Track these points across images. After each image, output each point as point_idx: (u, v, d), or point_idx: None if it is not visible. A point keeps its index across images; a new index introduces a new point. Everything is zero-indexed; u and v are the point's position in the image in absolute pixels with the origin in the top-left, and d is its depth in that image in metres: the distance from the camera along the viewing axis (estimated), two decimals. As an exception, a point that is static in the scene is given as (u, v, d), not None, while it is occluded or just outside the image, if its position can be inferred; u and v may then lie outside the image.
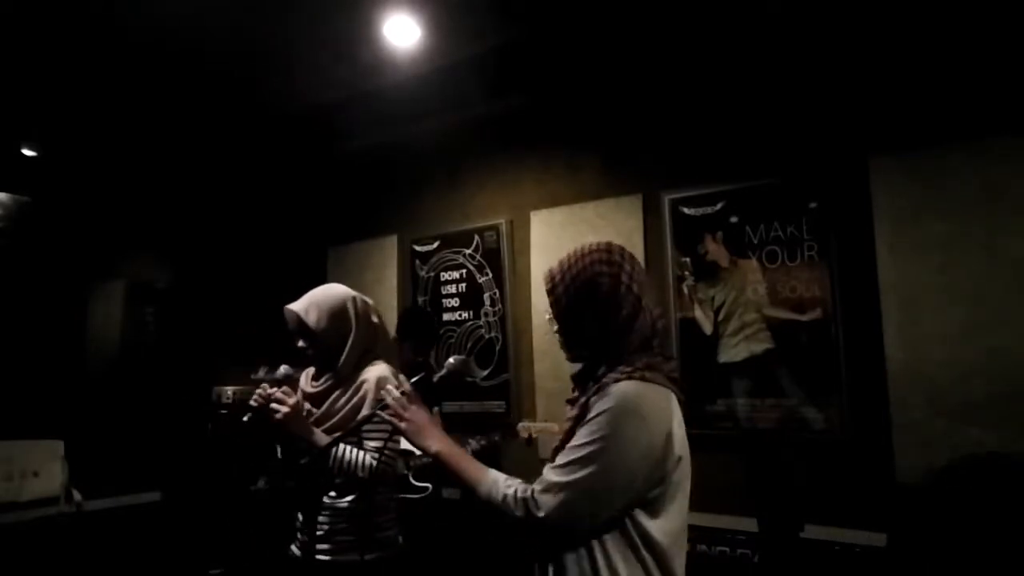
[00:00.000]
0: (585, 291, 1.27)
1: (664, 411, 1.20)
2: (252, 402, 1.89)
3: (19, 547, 3.01)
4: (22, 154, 3.96)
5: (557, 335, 1.36)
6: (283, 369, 2.01)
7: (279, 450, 2.05)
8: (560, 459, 1.21)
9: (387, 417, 1.44)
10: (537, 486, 1.20)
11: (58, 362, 3.86)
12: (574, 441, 1.20)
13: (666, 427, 1.20)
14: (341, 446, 1.88)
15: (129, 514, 3.55)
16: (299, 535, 2.00)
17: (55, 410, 3.59)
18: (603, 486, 1.16)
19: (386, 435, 1.97)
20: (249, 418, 1.87)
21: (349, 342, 2.01)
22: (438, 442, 1.37)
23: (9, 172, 3.87)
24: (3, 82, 3.47)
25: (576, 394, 1.31)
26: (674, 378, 1.26)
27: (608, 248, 1.30)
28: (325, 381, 2.02)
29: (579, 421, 1.22)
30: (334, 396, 2.01)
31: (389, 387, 1.46)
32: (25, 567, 3.02)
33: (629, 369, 1.21)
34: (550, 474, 1.20)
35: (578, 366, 1.35)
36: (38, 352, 3.78)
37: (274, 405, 1.88)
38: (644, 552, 1.20)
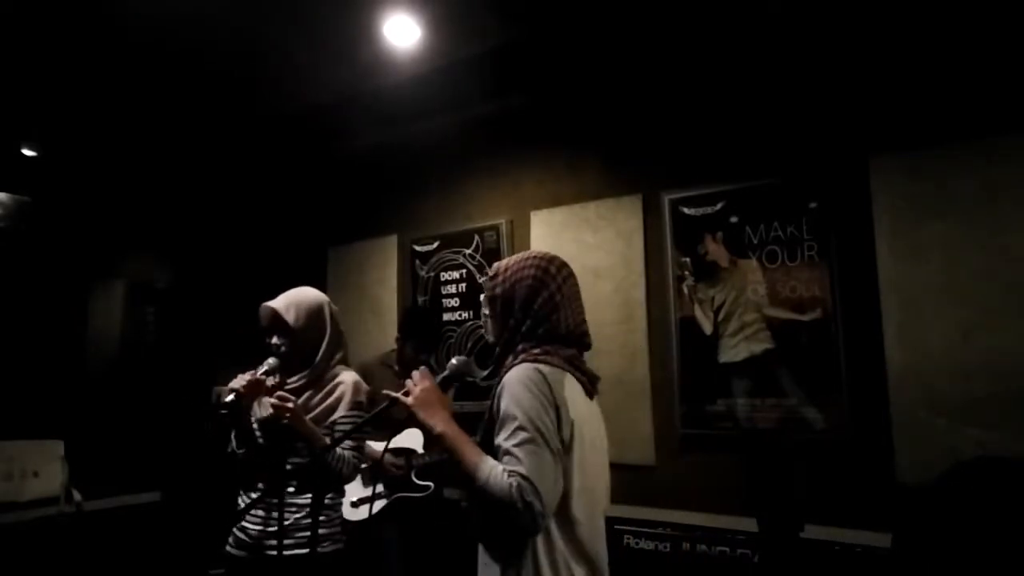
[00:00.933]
0: (512, 290, 1.47)
1: (553, 383, 1.34)
2: (236, 384, 1.92)
3: (19, 547, 3.01)
4: (22, 154, 3.96)
5: (485, 323, 1.56)
6: (271, 361, 2.04)
7: (234, 440, 2.07)
8: (506, 446, 1.28)
9: (395, 395, 1.45)
10: (520, 481, 1.23)
11: (58, 362, 3.86)
12: (505, 434, 1.29)
13: (555, 397, 1.32)
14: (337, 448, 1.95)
15: (129, 514, 3.55)
16: (243, 532, 2.01)
17: (55, 410, 3.60)
18: (548, 456, 1.26)
19: (363, 435, 2.05)
20: (231, 401, 1.90)
21: (324, 342, 2.08)
22: (443, 423, 1.38)
23: (9, 172, 3.87)
24: (3, 82, 3.47)
25: (490, 373, 1.51)
26: (576, 364, 1.43)
27: (549, 259, 1.49)
28: (299, 380, 2.06)
29: (490, 408, 1.37)
30: (308, 394, 2.05)
31: (417, 372, 1.48)
32: (25, 567, 3.02)
33: (523, 356, 1.39)
34: (514, 466, 1.25)
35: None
36: (38, 352, 3.78)
37: (275, 402, 1.91)
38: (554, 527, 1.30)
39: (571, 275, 1.51)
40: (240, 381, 1.93)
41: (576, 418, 1.35)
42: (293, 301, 2.08)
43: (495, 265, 1.55)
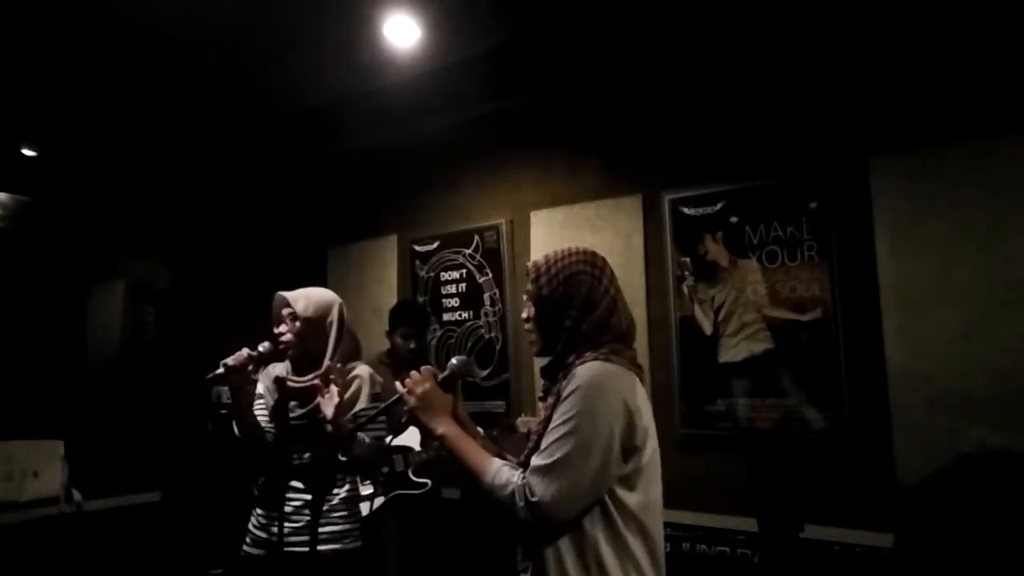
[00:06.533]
0: (566, 286, 1.33)
1: (628, 386, 1.26)
2: (230, 360, 1.99)
3: (19, 547, 3.01)
4: (22, 154, 3.96)
5: (530, 329, 1.40)
6: (266, 344, 2.07)
7: (235, 428, 2.10)
8: (543, 444, 1.23)
9: (402, 390, 1.43)
10: (528, 474, 1.22)
11: (58, 362, 3.86)
12: (551, 425, 1.24)
13: (631, 400, 1.25)
14: (358, 434, 1.94)
15: (129, 514, 3.55)
16: (262, 530, 2.02)
17: (55, 410, 3.60)
18: (584, 459, 1.19)
19: (381, 428, 2.02)
20: (217, 374, 1.98)
21: (331, 340, 2.08)
22: (444, 425, 1.36)
23: (9, 172, 3.87)
24: (3, 82, 3.47)
25: (545, 389, 1.37)
26: (638, 363, 1.34)
27: (593, 253, 1.39)
28: (312, 378, 2.04)
29: (554, 408, 1.26)
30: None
31: (417, 372, 1.45)
32: (25, 567, 3.02)
33: (593, 354, 1.28)
34: (536, 459, 1.23)
35: (544, 361, 1.39)
36: (38, 352, 3.78)
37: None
38: (621, 525, 1.22)
39: (614, 271, 1.40)
40: (236, 357, 1.98)
41: (649, 426, 1.27)
42: (304, 293, 2.12)
43: (532, 263, 1.40)
